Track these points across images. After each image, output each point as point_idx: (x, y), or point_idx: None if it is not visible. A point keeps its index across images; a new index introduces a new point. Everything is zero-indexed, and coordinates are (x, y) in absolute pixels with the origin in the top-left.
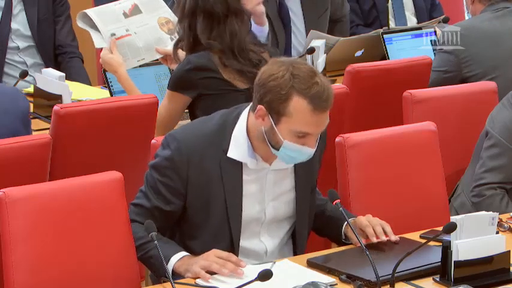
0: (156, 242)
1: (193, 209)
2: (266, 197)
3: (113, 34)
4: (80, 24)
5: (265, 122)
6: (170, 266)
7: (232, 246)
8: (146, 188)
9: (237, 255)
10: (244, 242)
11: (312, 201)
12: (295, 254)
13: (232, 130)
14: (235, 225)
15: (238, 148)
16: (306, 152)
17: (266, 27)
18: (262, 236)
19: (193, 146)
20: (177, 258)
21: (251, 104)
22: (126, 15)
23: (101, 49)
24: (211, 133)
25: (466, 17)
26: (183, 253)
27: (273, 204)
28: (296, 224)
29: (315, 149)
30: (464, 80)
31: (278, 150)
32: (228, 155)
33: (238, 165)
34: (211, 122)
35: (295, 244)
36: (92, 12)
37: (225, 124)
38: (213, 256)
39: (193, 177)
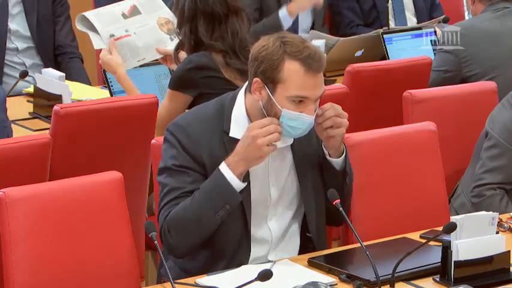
0: (156, 242)
1: None
2: (269, 176)
3: (112, 35)
4: (78, 27)
5: (262, 94)
6: (230, 176)
7: (246, 229)
8: (169, 186)
9: (249, 238)
10: (252, 228)
11: (314, 178)
12: (305, 242)
13: (231, 111)
14: (247, 205)
15: (239, 128)
16: (306, 119)
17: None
18: (269, 220)
19: (198, 129)
20: (225, 167)
21: (246, 84)
22: (125, 16)
23: (101, 49)
24: (211, 116)
25: (466, 17)
26: (223, 163)
27: (277, 185)
28: (303, 204)
29: (314, 117)
30: (464, 80)
31: None
32: (231, 134)
33: None
34: (208, 107)
35: (307, 227)
36: (90, 14)
37: (222, 107)
38: (258, 128)
39: (205, 160)
